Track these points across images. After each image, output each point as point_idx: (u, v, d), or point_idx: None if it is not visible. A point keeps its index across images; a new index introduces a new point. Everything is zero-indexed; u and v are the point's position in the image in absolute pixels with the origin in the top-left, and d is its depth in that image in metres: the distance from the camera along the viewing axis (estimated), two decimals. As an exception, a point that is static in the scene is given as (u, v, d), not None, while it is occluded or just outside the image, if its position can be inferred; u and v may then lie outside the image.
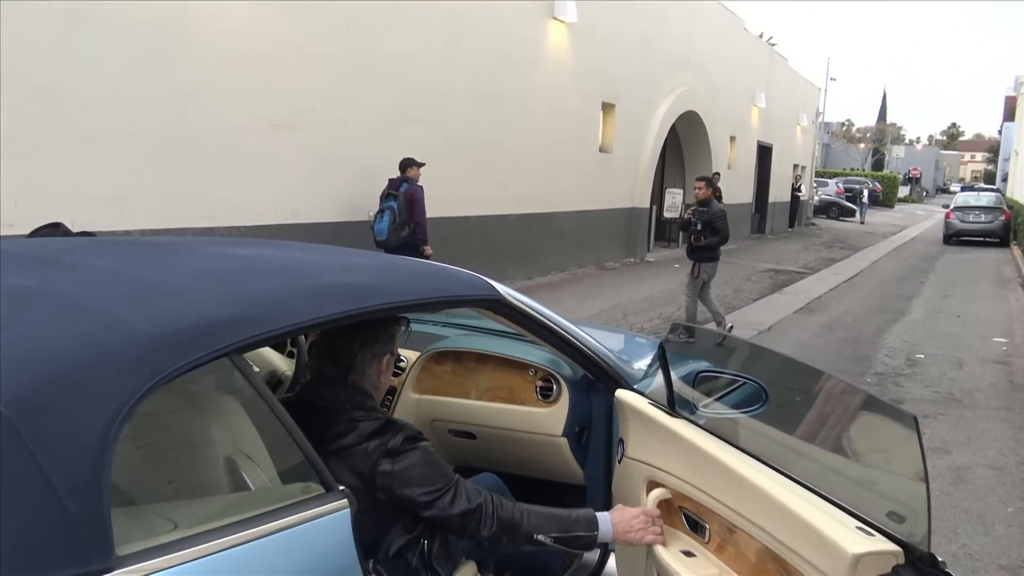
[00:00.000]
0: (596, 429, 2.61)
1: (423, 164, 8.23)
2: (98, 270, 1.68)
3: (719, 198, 14.75)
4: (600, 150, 13.95)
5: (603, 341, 2.86)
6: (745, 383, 2.24)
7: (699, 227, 8.14)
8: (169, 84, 6.68)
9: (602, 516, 2.03)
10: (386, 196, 8.02)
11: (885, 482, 1.82)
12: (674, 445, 2.10)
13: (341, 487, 1.57)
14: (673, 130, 16.68)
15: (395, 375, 2.90)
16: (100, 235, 2.56)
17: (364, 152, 8.68)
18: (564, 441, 2.61)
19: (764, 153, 23.01)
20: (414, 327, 3.28)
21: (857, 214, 30.26)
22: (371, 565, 1.93)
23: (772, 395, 2.16)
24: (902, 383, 7.09)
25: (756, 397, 2.17)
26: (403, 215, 7.86)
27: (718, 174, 16.59)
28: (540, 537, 1.93)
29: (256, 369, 2.81)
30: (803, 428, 2.07)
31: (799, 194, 26.18)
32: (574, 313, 9.07)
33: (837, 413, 1.94)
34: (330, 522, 1.51)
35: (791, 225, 25.85)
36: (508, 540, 1.92)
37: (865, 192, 32.06)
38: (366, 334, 1.93)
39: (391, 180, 8.15)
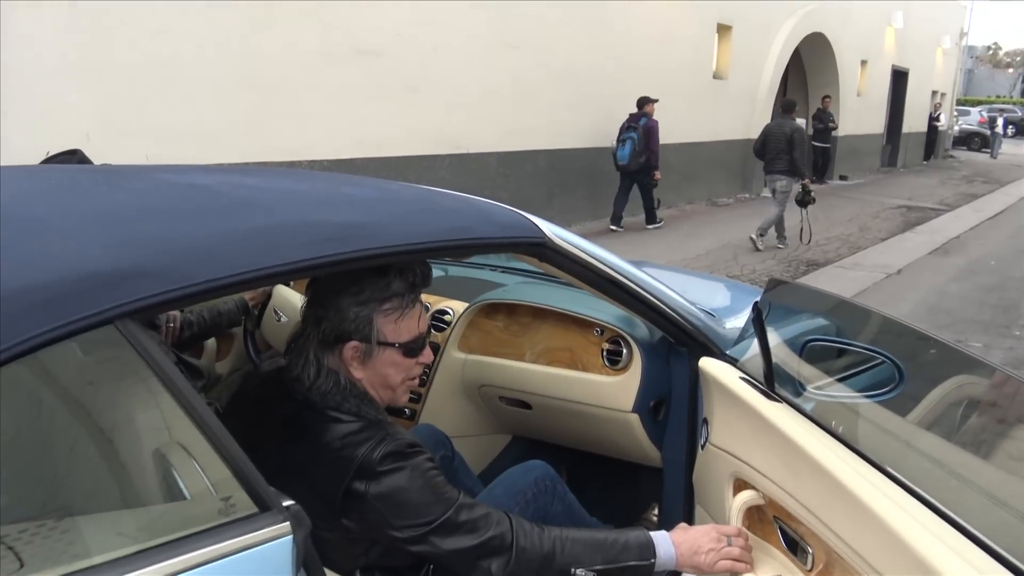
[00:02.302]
0: (677, 404, 2.09)
1: (656, 100, 9.54)
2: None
3: (831, 124, 13.57)
4: (714, 77, 12.92)
5: (695, 292, 2.31)
6: (873, 357, 1.65)
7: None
8: (246, 10, 6.34)
9: (660, 538, 1.54)
10: (626, 128, 9.47)
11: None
12: (769, 437, 1.57)
13: (286, 503, 1.13)
14: (796, 54, 15.33)
15: (439, 330, 2.45)
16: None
17: (454, 81, 8.18)
18: (635, 418, 2.10)
19: (899, 79, 21.06)
20: (463, 272, 2.81)
21: (991, 147, 26.43)
22: (358, 574, 1.53)
23: (910, 375, 1.57)
24: (1058, 337, 6.16)
25: (886, 378, 1.59)
26: (641, 144, 9.31)
27: (828, 97, 15.17)
28: (579, 572, 1.45)
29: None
30: (956, 432, 1.49)
31: (937, 124, 23.98)
32: (677, 253, 8.42)
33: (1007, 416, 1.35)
34: (261, 554, 1.07)
35: (927, 158, 23.79)
36: None
37: (1000, 121, 27.60)
38: (344, 299, 1.47)
39: (631, 115, 9.52)
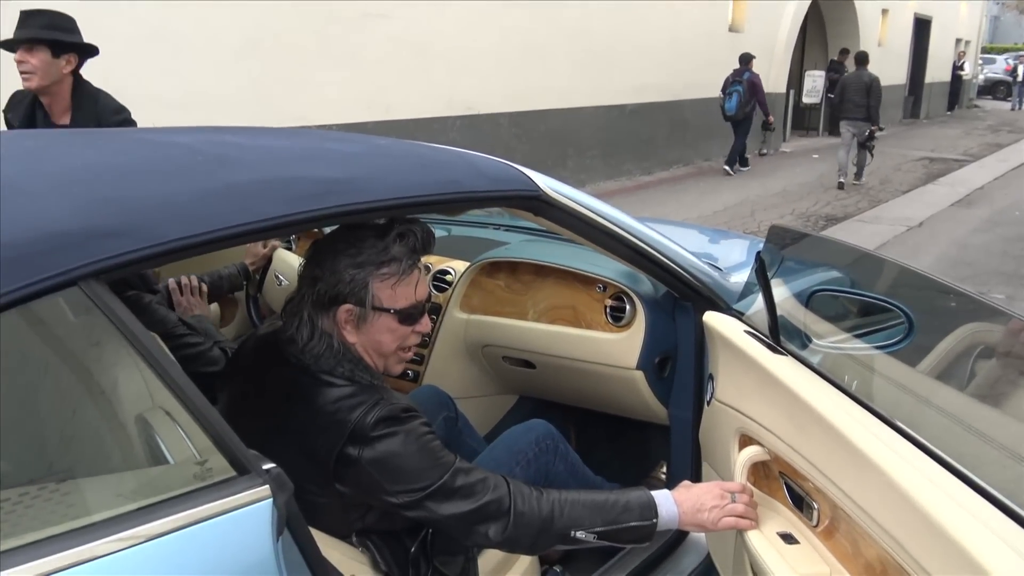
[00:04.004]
0: (683, 361, 2.04)
1: (755, 57, 11.01)
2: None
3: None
4: (730, 29, 12.65)
5: (701, 246, 2.26)
6: (882, 307, 1.59)
7: None
8: (249, -27, 6.25)
9: (662, 497, 1.50)
10: (731, 82, 10.80)
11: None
12: (774, 391, 1.52)
13: (267, 466, 1.09)
14: (815, 4, 14.97)
15: (440, 290, 2.42)
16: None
17: (464, 41, 8.05)
18: (639, 375, 2.06)
19: (921, 27, 20.54)
20: (465, 231, 2.76)
21: (1014, 99, 24.62)
22: (354, 538, 1.51)
23: (920, 325, 1.50)
24: (1084, 287, 6.03)
25: (896, 328, 1.53)
26: (747, 96, 10.69)
27: (846, 50, 15.00)
28: (579, 534, 1.43)
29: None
30: (967, 381, 1.43)
31: (961, 73, 23.41)
32: (693, 210, 8.31)
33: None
34: (239, 518, 1.05)
35: (950, 108, 23.28)
36: (532, 542, 1.44)
37: (1020, 70, 25.35)
38: (341, 261, 1.42)
39: (735, 70, 10.86)
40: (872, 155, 10.44)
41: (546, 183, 1.65)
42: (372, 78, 7.32)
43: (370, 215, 1.36)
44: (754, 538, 1.50)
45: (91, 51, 2.81)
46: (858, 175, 10.53)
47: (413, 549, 1.56)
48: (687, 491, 1.53)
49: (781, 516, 1.56)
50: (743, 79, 10.80)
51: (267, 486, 1.07)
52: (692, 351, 1.99)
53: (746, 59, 10.95)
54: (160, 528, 0.98)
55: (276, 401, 1.46)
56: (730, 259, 2.49)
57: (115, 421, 1.14)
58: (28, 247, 0.98)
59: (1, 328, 0.95)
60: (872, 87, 9.92)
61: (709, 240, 2.97)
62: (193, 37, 5.95)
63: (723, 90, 10.91)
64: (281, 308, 1.56)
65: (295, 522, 1.14)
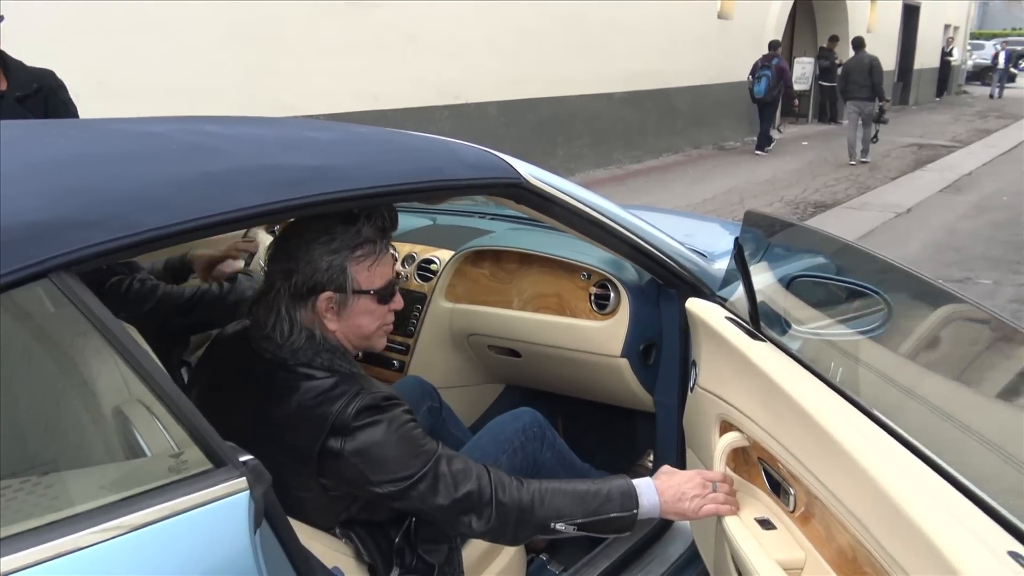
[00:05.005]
0: (668, 348, 2.04)
1: (781, 44, 12.22)
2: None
3: (836, 62, 14.04)
4: (719, 16, 12.62)
5: (686, 233, 2.26)
6: (861, 293, 1.59)
7: None
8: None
9: (644, 486, 1.50)
10: (761, 67, 11.65)
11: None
12: (752, 377, 1.52)
13: (244, 458, 1.09)
14: (804, -9, 14.98)
15: (425, 280, 2.40)
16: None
17: (453, 29, 8.00)
18: (624, 363, 2.06)
19: (910, 13, 20.55)
20: (450, 220, 2.75)
21: (993, 85, 23.99)
22: (338, 530, 1.50)
23: (897, 310, 1.51)
24: (1071, 272, 6.06)
25: (874, 314, 1.53)
26: (774, 80, 11.52)
27: (837, 38, 15.12)
28: (559, 526, 1.43)
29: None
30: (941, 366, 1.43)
31: (950, 59, 23.44)
32: (682, 198, 8.31)
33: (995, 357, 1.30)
34: (215, 511, 1.04)
35: (939, 94, 23.33)
36: (514, 533, 1.44)
37: (1002, 56, 24.71)
38: (315, 250, 1.41)
39: (764, 55, 11.73)
40: (877, 135, 11.15)
41: (528, 171, 1.64)
42: (360, 67, 7.27)
43: (351, 203, 1.35)
44: (732, 524, 1.50)
45: None
46: (864, 152, 11.04)
47: (397, 539, 1.56)
48: (669, 479, 1.53)
49: (760, 502, 1.56)
50: (772, 64, 11.60)
51: (243, 478, 1.06)
52: (677, 338, 1.99)
53: (774, 45, 11.97)
54: (139, 520, 0.97)
55: (253, 399, 1.45)
56: (716, 246, 2.49)
57: (94, 413, 1.13)
58: (-3, 238, 0.96)
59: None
60: (873, 66, 10.77)
61: (694, 227, 2.96)
62: (179, 25, 5.90)
63: (752, 74, 11.75)
64: (248, 306, 1.54)
65: (274, 514, 1.13)
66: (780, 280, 1.73)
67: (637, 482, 1.51)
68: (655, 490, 1.50)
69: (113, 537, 0.95)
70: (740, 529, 1.48)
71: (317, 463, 1.37)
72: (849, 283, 1.66)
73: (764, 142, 12.14)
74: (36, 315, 1.05)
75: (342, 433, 1.36)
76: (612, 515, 1.46)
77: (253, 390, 1.45)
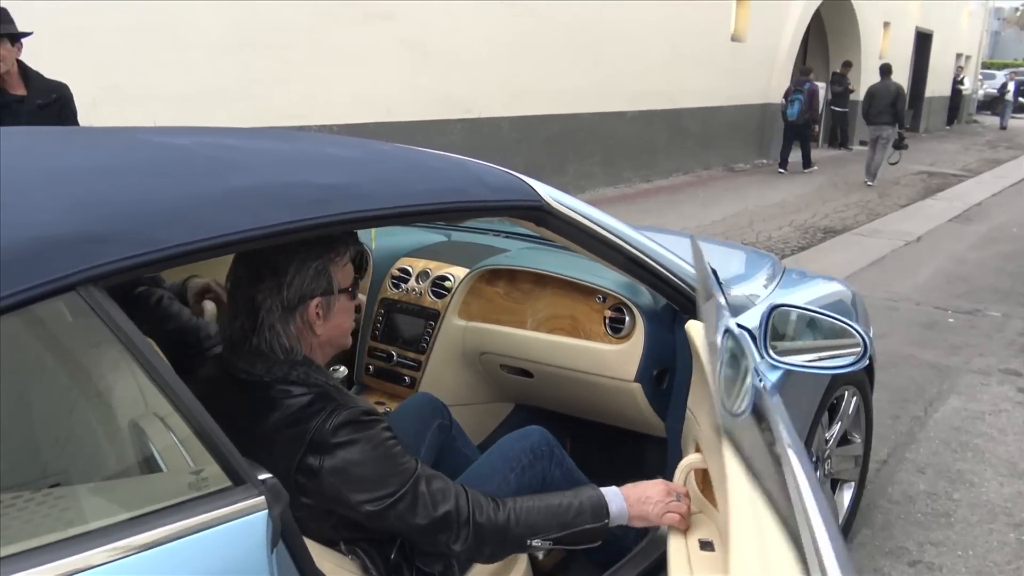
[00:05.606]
0: (681, 374, 2.03)
1: (812, 70, 13.00)
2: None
3: (846, 89, 14.06)
4: (732, 39, 12.67)
5: (712, 257, 2.27)
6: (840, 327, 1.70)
7: None
8: (253, -29, 6.24)
9: (612, 494, 1.55)
10: (793, 91, 12.19)
11: None
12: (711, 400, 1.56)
13: (263, 476, 1.08)
14: (817, 15, 15.01)
15: (439, 296, 2.40)
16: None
17: (464, 44, 8.05)
18: (637, 387, 2.05)
19: (922, 41, 20.60)
20: (465, 237, 2.75)
21: (1001, 116, 23.97)
22: (343, 546, 1.50)
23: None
24: (1080, 305, 6.03)
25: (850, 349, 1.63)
26: (807, 103, 12.05)
27: (850, 64, 15.16)
28: (535, 542, 1.46)
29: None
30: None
31: (961, 87, 23.46)
32: (693, 220, 8.31)
33: None
34: (234, 529, 1.03)
35: (950, 122, 23.33)
36: (491, 552, 1.47)
37: (1011, 86, 24.68)
38: (300, 259, 1.40)
39: (796, 80, 12.49)
40: (899, 158, 11.80)
41: (548, 193, 1.64)
42: (373, 79, 7.31)
43: (374, 223, 1.35)
44: (673, 542, 1.57)
45: (27, 35, 3.41)
46: (873, 176, 11.51)
47: (393, 555, 1.56)
48: (635, 488, 1.59)
49: (713, 524, 1.60)
50: (804, 89, 12.15)
51: (262, 497, 1.06)
52: (690, 364, 1.98)
53: (806, 71, 12.81)
54: (154, 538, 0.97)
55: (231, 420, 1.44)
56: (729, 271, 2.48)
57: (109, 426, 1.13)
58: (27, 251, 0.96)
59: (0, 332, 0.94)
60: (899, 94, 11.29)
61: (713, 251, 2.96)
62: (191, 34, 5.94)
63: (785, 97, 12.33)
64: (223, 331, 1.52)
65: (290, 533, 1.13)
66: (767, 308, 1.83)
67: (605, 491, 1.56)
68: (622, 496, 1.55)
69: (133, 553, 0.94)
70: (678, 548, 1.55)
71: (295, 482, 1.36)
72: (827, 316, 1.83)
73: (808, 161, 12.65)
74: (61, 325, 1.04)
75: (320, 451, 1.34)
76: (585, 527, 1.50)
77: (231, 412, 1.44)
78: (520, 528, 1.45)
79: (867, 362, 1.78)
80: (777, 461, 1.24)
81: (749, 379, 1.54)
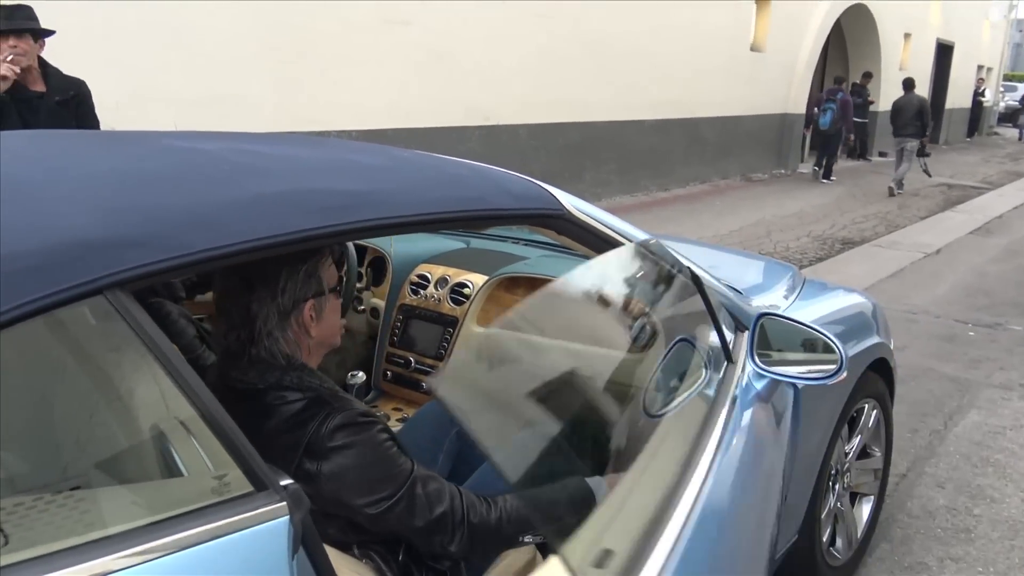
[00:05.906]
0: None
1: (845, 79, 13.61)
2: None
3: (866, 100, 14.02)
4: (751, 49, 12.65)
5: (723, 268, 2.26)
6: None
7: None
8: (275, -23, 6.29)
9: (596, 483, 1.55)
10: (826, 100, 12.48)
11: None
12: None
13: (284, 482, 1.09)
14: (837, 26, 14.96)
15: (457, 303, 2.40)
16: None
17: (483, 51, 8.07)
18: (656, 397, 2.04)
19: (943, 53, 20.48)
20: (484, 244, 2.75)
21: (1022, 127, 23.50)
22: (356, 550, 1.50)
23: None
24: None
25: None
26: (839, 113, 12.23)
27: (871, 75, 15.14)
28: (527, 539, 1.48)
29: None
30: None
31: (982, 99, 23.30)
32: (710, 229, 8.28)
33: None
34: (256, 535, 1.04)
35: (970, 134, 23.18)
36: (484, 551, 1.50)
37: None
38: (292, 264, 1.41)
39: (829, 89, 12.85)
40: (927, 168, 12.50)
41: (569, 201, 1.64)
42: (392, 85, 7.34)
43: (398, 230, 1.35)
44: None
45: (51, 33, 3.42)
46: (900, 185, 11.64)
47: (401, 556, 1.56)
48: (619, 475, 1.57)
49: None
50: (836, 98, 12.36)
51: (284, 503, 1.06)
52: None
53: (839, 80, 13.24)
54: (176, 543, 0.97)
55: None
56: (749, 281, 2.47)
57: (130, 429, 1.13)
58: (54, 255, 0.97)
59: (25, 334, 0.95)
60: (923, 108, 11.64)
61: (728, 261, 2.95)
62: (212, 39, 5.99)
63: (817, 106, 12.69)
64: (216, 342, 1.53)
65: (310, 539, 1.13)
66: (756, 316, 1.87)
67: (590, 480, 1.55)
68: (606, 486, 1.54)
69: (154, 558, 0.94)
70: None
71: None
72: (811, 328, 1.85)
73: (831, 171, 12.72)
74: (85, 328, 1.05)
75: (317, 455, 1.34)
76: (574, 520, 1.50)
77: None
78: (512, 526, 1.45)
79: (842, 376, 1.78)
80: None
81: (691, 391, 1.56)
